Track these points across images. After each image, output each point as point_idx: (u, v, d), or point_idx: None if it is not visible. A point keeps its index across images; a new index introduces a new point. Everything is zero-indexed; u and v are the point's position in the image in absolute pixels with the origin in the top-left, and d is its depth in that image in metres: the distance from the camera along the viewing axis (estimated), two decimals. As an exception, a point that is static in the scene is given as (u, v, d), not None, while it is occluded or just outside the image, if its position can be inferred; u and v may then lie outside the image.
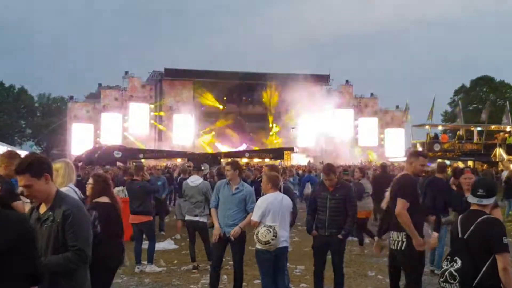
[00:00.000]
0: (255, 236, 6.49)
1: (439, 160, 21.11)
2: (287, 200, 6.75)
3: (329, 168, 7.27)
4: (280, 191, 7.02)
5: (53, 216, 3.40)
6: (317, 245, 7.22)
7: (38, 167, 3.39)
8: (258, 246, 6.52)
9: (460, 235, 4.24)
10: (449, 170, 14.67)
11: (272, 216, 6.50)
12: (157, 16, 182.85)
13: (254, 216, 6.64)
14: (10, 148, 21.34)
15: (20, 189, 3.55)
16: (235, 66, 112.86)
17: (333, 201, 7.00)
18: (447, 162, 34.84)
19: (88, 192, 5.89)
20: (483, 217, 4.18)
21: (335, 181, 7.09)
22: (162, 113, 47.17)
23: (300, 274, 9.08)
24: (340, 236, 7.01)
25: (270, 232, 6.39)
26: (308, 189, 18.98)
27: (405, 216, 5.53)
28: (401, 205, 5.54)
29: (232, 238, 7.07)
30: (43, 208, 3.51)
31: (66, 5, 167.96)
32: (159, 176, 15.43)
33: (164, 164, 34.22)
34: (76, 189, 5.22)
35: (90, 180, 5.95)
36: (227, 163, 7.79)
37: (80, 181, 9.89)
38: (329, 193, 7.05)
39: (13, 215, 2.88)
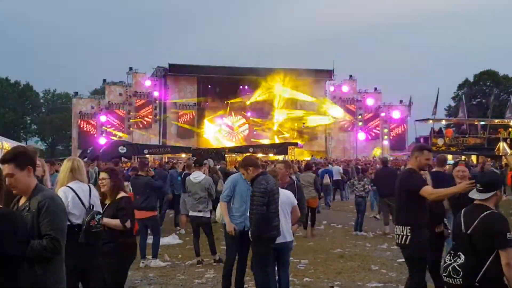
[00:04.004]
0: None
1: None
2: (283, 195, 6.75)
3: (241, 161, 7.03)
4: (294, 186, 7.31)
5: (29, 207, 3.55)
6: None
7: (22, 159, 3.61)
8: None
9: (463, 230, 4.24)
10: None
11: None
12: (161, 11, 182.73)
13: None
14: (16, 144, 21.43)
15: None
16: (239, 61, 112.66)
17: (251, 196, 6.46)
18: (450, 156, 34.87)
19: (106, 188, 5.82)
20: (486, 212, 4.17)
21: (250, 175, 6.47)
22: (166, 109, 47.24)
23: (304, 268, 9.15)
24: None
25: None
26: (327, 179, 19.65)
27: (437, 193, 5.54)
28: (427, 192, 5.51)
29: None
30: (22, 201, 3.67)
31: (71, 1, 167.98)
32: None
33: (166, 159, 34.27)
34: (77, 188, 5.05)
35: (105, 175, 5.91)
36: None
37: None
38: None
39: None
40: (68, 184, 5.03)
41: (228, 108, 48.30)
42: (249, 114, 49.04)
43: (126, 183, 12.98)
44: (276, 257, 6.73)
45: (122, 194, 5.83)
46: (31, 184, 3.64)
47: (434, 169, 8.40)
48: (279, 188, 6.85)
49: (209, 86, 48.00)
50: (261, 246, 6.37)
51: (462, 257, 4.13)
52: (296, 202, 7.00)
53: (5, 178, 3.56)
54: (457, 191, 5.39)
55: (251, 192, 6.44)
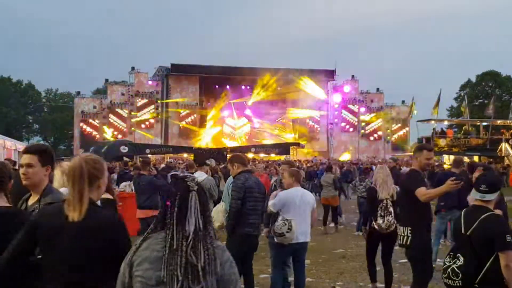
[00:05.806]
0: (272, 229, 6.56)
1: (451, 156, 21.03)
2: (307, 195, 6.79)
3: (230, 157, 7.26)
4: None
5: (39, 208, 3.48)
6: None
7: (46, 156, 3.68)
8: (275, 239, 6.57)
9: (463, 231, 4.22)
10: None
11: (290, 210, 6.53)
12: (163, 11, 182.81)
13: (272, 205, 6.64)
14: (18, 143, 21.49)
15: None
16: (241, 62, 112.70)
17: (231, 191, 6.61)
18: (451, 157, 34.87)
19: None
20: (486, 214, 4.15)
21: (234, 171, 6.63)
22: (168, 109, 47.30)
23: (306, 268, 9.12)
24: None
25: (286, 225, 6.41)
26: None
27: (428, 194, 5.46)
28: (420, 193, 5.44)
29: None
30: (31, 200, 3.65)
31: (73, 0, 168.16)
32: None
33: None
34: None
35: None
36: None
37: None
38: None
39: None
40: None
41: (232, 108, 48.29)
42: (251, 114, 49.01)
43: (128, 183, 13.13)
44: (292, 257, 6.80)
45: (104, 195, 5.83)
46: (44, 183, 3.65)
47: (438, 171, 8.39)
48: (302, 189, 6.86)
49: (211, 86, 48.00)
50: (234, 242, 6.32)
51: (461, 259, 4.12)
52: (315, 205, 6.95)
53: (23, 167, 3.55)
54: (444, 190, 5.34)
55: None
